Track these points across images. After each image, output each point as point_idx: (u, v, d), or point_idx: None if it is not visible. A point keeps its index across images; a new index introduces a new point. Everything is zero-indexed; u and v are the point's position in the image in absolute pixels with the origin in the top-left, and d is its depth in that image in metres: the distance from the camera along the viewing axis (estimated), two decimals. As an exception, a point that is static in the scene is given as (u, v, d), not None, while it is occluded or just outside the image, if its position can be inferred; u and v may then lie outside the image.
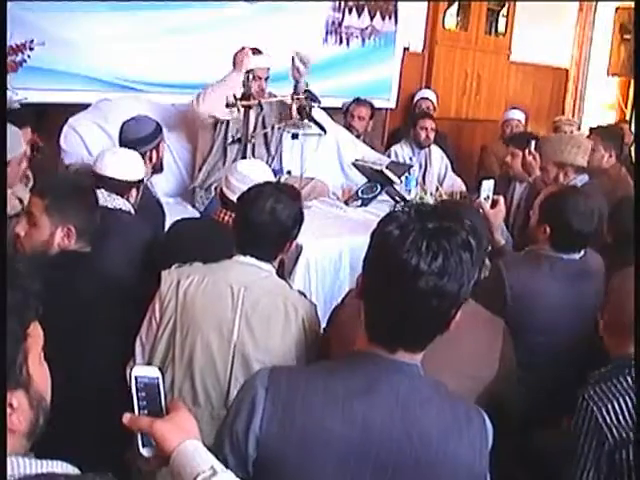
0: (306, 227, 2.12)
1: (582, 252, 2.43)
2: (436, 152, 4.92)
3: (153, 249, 2.47)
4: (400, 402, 1.20)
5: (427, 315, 1.18)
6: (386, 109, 5.65)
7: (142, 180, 2.64)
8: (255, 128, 3.71)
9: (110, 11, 3.78)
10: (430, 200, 3.73)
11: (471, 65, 6.19)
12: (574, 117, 7.00)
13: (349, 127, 4.67)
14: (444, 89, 5.94)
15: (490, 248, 2.52)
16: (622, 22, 6.97)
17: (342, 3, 5.03)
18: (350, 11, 5.09)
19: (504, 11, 6.36)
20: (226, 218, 2.47)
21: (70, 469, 0.89)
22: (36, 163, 2.96)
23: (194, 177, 3.74)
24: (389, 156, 4.72)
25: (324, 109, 4.11)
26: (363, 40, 5.22)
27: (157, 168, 3.07)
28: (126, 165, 2.55)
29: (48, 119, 3.57)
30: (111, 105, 3.66)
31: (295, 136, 3.81)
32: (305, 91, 3.61)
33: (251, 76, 3.59)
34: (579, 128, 5.99)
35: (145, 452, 1.10)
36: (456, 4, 6.03)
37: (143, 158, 2.82)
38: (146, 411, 1.12)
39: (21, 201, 2.43)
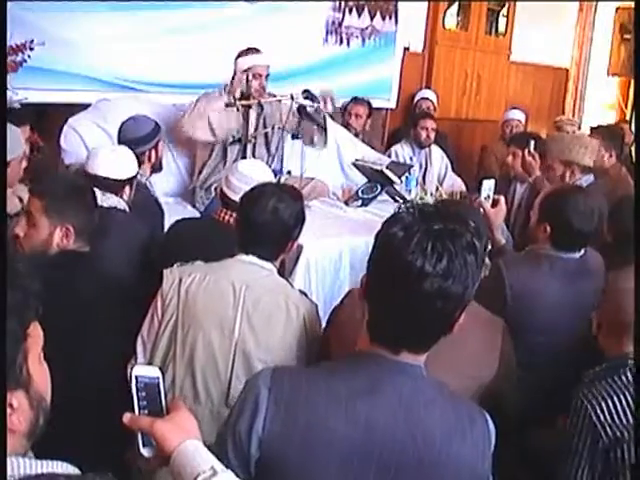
0: (306, 227, 2.12)
1: (582, 251, 2.43)
2: (436, 152, 4.92)
3: (152, 248, 2.47)
4: (403, 403, 1.20)
5: (431, 317, 1.18)
6: (386, 109, 5.65)
7: (135, 177, 2.65)
8: (256, 129, 3.71)
9: (110, 11, 3.78)
10: (430, 200, 3.72)
11: (471, 65, 6.19)
12: (574, 117, 7.00)
13: (346, 125, 4.67)
14: (444, 89, 5.94)
15: (490, 247, 2.52)
16: (622, 22, 6.97)
17: (342, 3, 5.03)
18: (350, 11, 5.09)
19: (504, 11, 6.37)
20: (227, 218, 2.47)
21: (70, 469, 0.89)
22: (36, 163, 2.96)
23: (194, 177, 3.74)
24: (389, 156, 4.72)
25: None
26: (363, 40, 5.22)
27: (156, 167, 3.07)
28: (118, 164, 2.56)
29: (48, 119, 3.58)
30: (111, 105, 3.66)
31: (295, 136, 3.81)
32: (304, 91, 3.62)
33: (250, 75, 3.60)
34: (579, 128, 5.99)
35: (145, 452, 1.10)
36: (456, 4, 6.03)
37: (142, 158, 2.82)
38: (146, 411, 1.12)
39: (21, 200, 2.43)
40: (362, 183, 3.98)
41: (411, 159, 4.74)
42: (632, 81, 7.01)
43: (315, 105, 3.61)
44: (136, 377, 1.13)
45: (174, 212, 3.10)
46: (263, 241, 1.99)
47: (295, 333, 1.93)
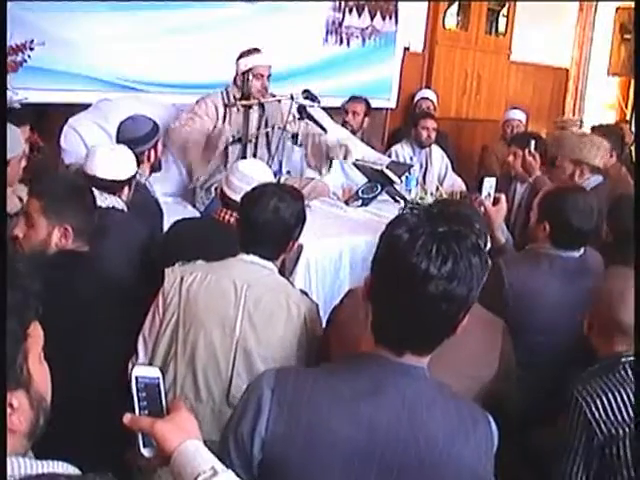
0: (307, 227, 2.13)
1: (582, 250, 2.43)
2: (436, 152, 4.92)
3: (151, 248, 2.47)
4: (406, 405, 1.20)
5: (436, 319, 1.18)
6: (386, 109, 5.64)
7: (134, 177, 2.64)
8: (259, 129, 3.71)
9: (110, 11, 3.78)
10: (430, 200, 3.72)
11: (471, 65, 6.19)
12: (574, 117, 7.00)
13: (344, 123, 4.68)
14: (444, 89, 5.94)
15: (490, 246, 2.52)
16: (622, 22, 6.97)
17: (342, 3, 5.03)
18: (350, 11, 5.09)
19: (504, 11, 6.37)
20: (227, 217, 2.47)
21: (71, 469, 0.89)
22: (36, 163, 2.96)
23: (194, 177, 3.74)
24: (390, 156, 4.73)
25: (324, 109, 4.11)
26: (363, 40, 5.22)
27: (155, 167, 3.07)
28: (116, 164, 2.54)
29: (48, 119, 3.57)
30: (111, 105, 3.65)
31: (295, 136, 3.81)
32: (304, 91, 3.62)
33: (251, 75, 3.60)
34: (581, 128, 5.99)
35: (146, 452, 1.10)
36: (456, 4, 6.03)
37: (141, 157, 2.81)
38: (147, 411, 1.11)
39: (21, 200, 2.43)
40: (362, 183, 3.98)
41: (411, 159, 4.74)
42: (632, 81, 7.01)
43: (315, 105, 3.61)
44: (136, 377, 1.13)
45: (174, 212, 3.10)
46: (264, 241, 2.00)
47: (296, 332, 1.94)
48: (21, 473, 0.84)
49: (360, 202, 3.81)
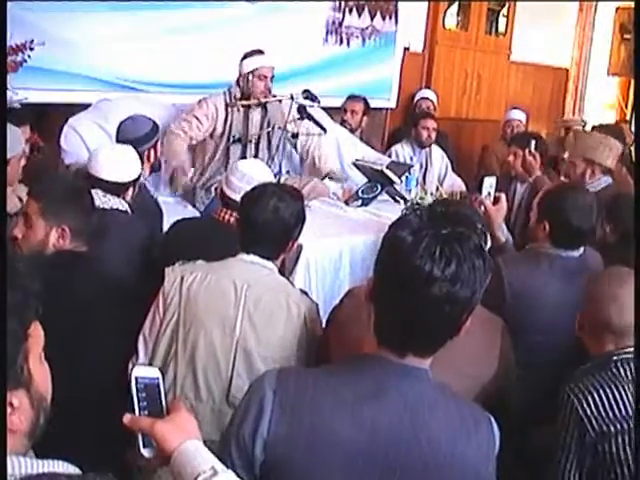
0: (306, 227, 2.13)
1: (581, 250, 2.43)
2: (436, 152, 4.92)
3: (152, 249, 2.47)
4: (409, 407, 1.19)
5: (439, 321, 1.17)
6: (386, 109, 5.65)
7: (139, 178, 2.63)
8: (261, 130, 3.72)
9: (110, 11, 3.78)
10: (430, 200, 3.72)
11: (471, 65, 6.19)
12: (574, 117, 7.00)
13: (342, 122, 4.68)
14: (444, 89, 5.94)
15: (490, 245, 2.52)
16: (622, 22, 6.97)
17: (342, 3, 5.03)
18: (350, 11, 5.09)
19: (504, 11, 6.37)
20: (227, 217, 2.47)
21: (71, 469, 0.89)
22: (36, 163, 2.95)
23: (194, 177, 3.74)
24: (390, 156, 4.73)
25: (324, 109, 4.11)
26: (363, 40, 5.22)
27: (155, 167, 3.07)
28: (121, 166, 2.52)
29: (48, 119, 3.57)
30: (111, 105, 3.65)
31: (295, 136, 3.81)
32: (304, 91, 3.62)
33: (251, 76, 3.60)
34: (583, 128, 5.98)
35: (146, 452, 1.10)
36: (456, 4, 6.03)
37: (141, 157, 2.81)
38: (147, 411, 1.11)
39: (21, 200, 2.43)
40: (362, 183, 3.98)
41: (411, 159, 4.74)
42: (632, 81, 7.01)
43: (315, 105, 3.61)
44: (136, 378, 1.13)
45: (174, 212, 3.10)
46: (264, 240, 2.00)
47: (296, 331, 1.94)
48: (21, 472, 0.84)
49: (360, 202, 3.81)
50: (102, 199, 2.41)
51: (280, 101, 3.67)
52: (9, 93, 2.95)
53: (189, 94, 3.94)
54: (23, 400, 0.89)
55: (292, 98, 3.56)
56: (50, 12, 3.54)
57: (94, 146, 3.35)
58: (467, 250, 1.15)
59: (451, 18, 6.05)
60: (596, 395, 1.76)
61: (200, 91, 3.85)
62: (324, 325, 2.01)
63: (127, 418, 1.10)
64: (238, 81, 3.66)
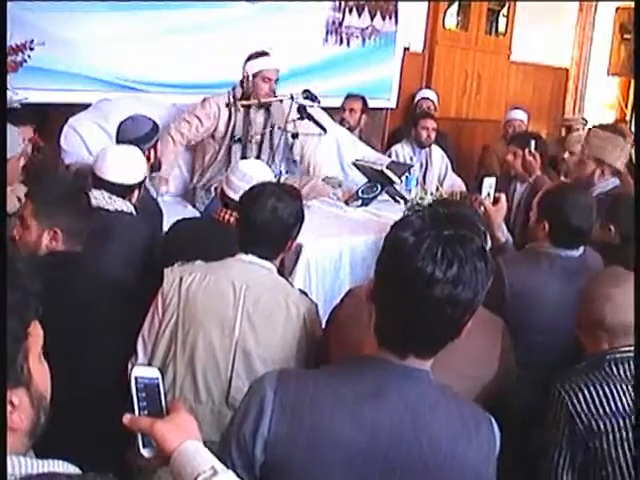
0: (306, 227, 2.13)
1: (581, 249, 2.43)
2: (437, 152, 4.93)
3: (153, 249, 2.47)
4: (410, 408, 1.19)
5: (440, 323, 1.17)
6: (386, 109, 5.64)
7: (144, 180, 2.63)
8: (264, 130, 3.72)
9: (110, 11, 3.78)
10: (430, 200, 3.72)
11: (471, 65, 6.19)
12: (575, 116, 7.00)
13: (341, 121, 4.68)
14: (444, 89, 5.94)
15: (490, 245, 2.52)
16: (622, 22, 6.97)
17: (342, 3, 5.03)
18: (350, 11, 5.09)
19: (504, 11, 6.37)
20: (227, 217, 2.47)
21: (71, 469, 0.89)
22: (36, 163, 2.95)
23: (194, 177, 3.74)
24: (390, 156, 4.73)
25: (324, 109, 4.11)
26: (363, 40, 5.22)
27: (155, 167, 3.07)
28: (128, 168, 2.50)
29: (48, 119, 3.57)
30: (111, 105, 3.66)
31: (295, 135, 3.81)
32: (304, 91, 3.62)
33: (255, 78, 3.60)
34: (584, 127, 5.98)
35: (146, 452, 1.10)
36: (456, 4, 6.03)
37: (142, 157, 2.80)
38: (146, 412, 1.11)
39: (20, 200, 2.43)
40: (362, 183, 3.98)
41: (411, 159, 4.74)
42: (632, 81, 7.01)
43: (315, 105, 3.61)
44: (136, 378, 1.13)
45: (174, 212, 3.10)
46: (262, 240, 1.99)
47: (295, 332, 1.93)
48: (22, 472, 0.84)
49: (360, 202, 3.81)
50: (107, 200, 2.41)
51: (281, 101, 3.67)
52: (9, 93, 2.94)
53: (189, 94, 3.95)
54: (23, 399, 0.89)
55: (292, 98, 3.56)
56: (50, 12, 3.54)
57: (94, 146, 3.36)
58: (469, 252, 1.15)
59: (451, 18, 6.05)
60: (586, 392, 1.77)
61: (200, 91, 3.86)
62: (324, 325, 2.01)
63: (127, 418, 1.10)
64: (242, 82, 3.66)
